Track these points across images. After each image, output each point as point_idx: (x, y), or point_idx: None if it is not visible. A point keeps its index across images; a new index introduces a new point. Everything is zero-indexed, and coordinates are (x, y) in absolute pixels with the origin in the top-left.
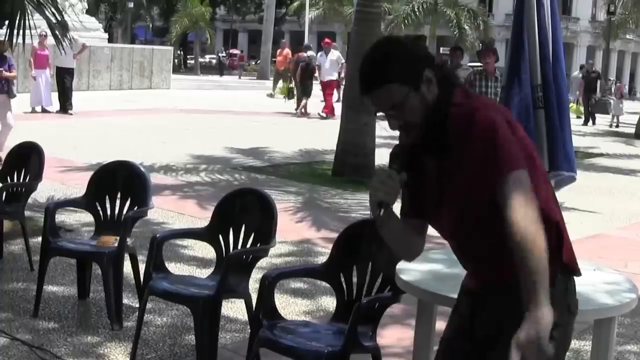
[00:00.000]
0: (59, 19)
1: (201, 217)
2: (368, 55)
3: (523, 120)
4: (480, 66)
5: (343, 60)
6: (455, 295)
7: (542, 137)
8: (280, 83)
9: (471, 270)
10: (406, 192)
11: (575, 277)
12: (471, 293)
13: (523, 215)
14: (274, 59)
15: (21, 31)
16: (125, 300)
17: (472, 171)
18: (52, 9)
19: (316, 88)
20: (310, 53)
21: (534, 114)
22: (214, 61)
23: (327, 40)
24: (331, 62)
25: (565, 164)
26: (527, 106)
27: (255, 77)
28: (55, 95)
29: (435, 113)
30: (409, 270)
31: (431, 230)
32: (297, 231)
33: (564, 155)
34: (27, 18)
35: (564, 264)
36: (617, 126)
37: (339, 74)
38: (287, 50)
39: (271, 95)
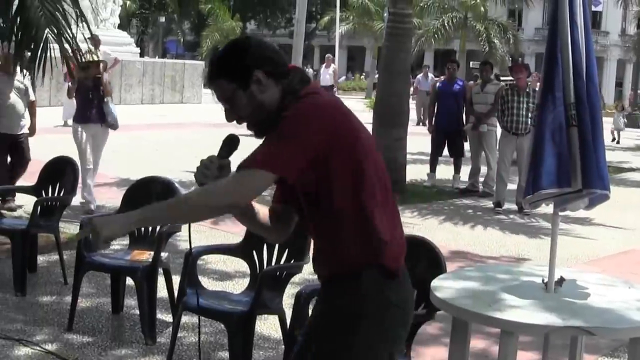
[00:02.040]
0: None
1: (234, 232)
2: (223, 49)
3: (556, 138)
4: (511, 80)
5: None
6: (491, 314)
7: (575, 155)
8: None
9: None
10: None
11: (400, 281)
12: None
13: (215, 193)
14: None
15: (43, 58)
16: (158, 315)
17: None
18: (82, 25)
19: None
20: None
21: (567, 132)
22: None
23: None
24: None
25: (599, 182)
26: (560, 124)
27: None
28: None
29: (277, 115)
30: (444, 288)
31: (466, 248)
32: None
33: (597, 173)
34: (47, 47)
35: (380, 265)
36: (617, 142)
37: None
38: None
39: None
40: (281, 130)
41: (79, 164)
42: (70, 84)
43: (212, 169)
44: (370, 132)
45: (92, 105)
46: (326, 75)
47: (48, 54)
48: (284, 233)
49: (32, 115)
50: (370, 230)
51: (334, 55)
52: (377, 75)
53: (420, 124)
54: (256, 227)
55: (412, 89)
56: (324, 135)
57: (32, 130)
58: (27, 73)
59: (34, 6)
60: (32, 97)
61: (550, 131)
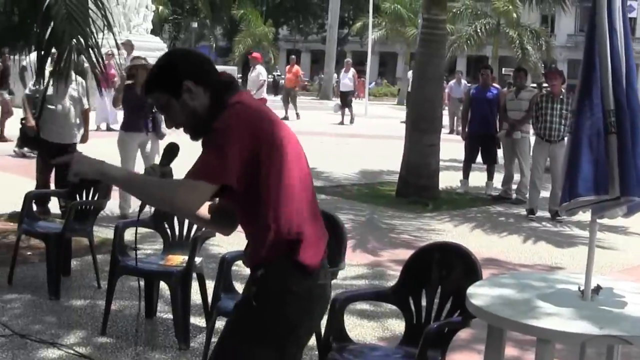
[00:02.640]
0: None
1: None
2: (158, 62)
3: (594, 144)
4: (545, 86)
5: (263, 78)
6: (528, 322)
7: (613, 163)
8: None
9: None
10: None
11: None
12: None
13: (170, 196)
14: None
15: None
16: (192, 320)
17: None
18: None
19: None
20: None
21: (606, 139)
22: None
23: (253, 54)
24: (252, 79)
25: (638, 190)
26: (598, 131)
27: (316, 97)
28: (120, 114)
29: (208, 119)
30: (480, 295)
31: (498, 255)
32: (362, 253)
33: (636, 180)
34: (72, 58)
35: (294, 259)
36: None
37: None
38: (297, 67)
39: (286, 118)
40: (215, 141)
41: None
42: (115, 91)
43: (154, 177)
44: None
45: (142, 113)
46: (346, 80)
47: (74, 59)
48: (228, 227)
49: (85, 123)
50: (285, 228)
51: (365, 61)
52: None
53: (454, 132)
54: (198, 221)
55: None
56: (249, 141)
57: (84, 138)
58: (82, 80)
59: (60, 14)
60: (85, 105)
61: (588, 138)
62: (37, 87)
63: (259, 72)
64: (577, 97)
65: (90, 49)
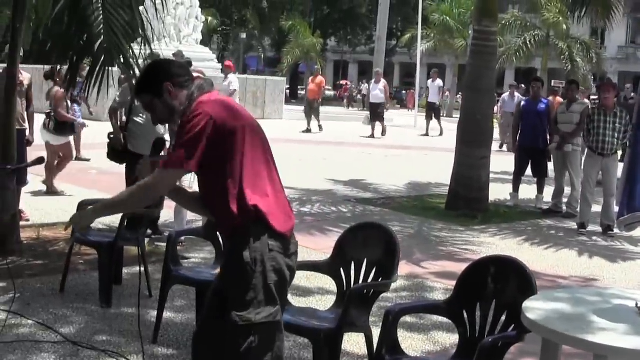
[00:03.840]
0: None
1: (315, 249)
2: (144, 69)
3: None
4: (594, 98)
5: (234, 87)
6: (584, 337)
7: None
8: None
9: None
10: None
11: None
12: None
13: (147, 188)
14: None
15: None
16: None
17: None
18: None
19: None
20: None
21: None
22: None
23: (226, 62)
24: (223, 88)
25: None
26: None
27: (362, 109)
28: None
29: (183, 114)
30: (535, 309)
31: (548, 270)
32: (406, 265)
33: None
34: (107, 69)
35: (267, 223)
36: None
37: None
38: (320, 78)
39: (309, 131)
40: (181, 134)
41: None
42: None
43: (145, 165)
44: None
45: None
46: (376, 91)
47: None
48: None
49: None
50: (248, 200)
51: (414, 73)
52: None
53: (505, 147)
54: (189, 205)
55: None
56: (209, 129)
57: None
58: None
59: (99, 24)
60: None
61: None
62: (121, 99)
63: (231, 81)
64: (637, 110)
65: (125, 59)
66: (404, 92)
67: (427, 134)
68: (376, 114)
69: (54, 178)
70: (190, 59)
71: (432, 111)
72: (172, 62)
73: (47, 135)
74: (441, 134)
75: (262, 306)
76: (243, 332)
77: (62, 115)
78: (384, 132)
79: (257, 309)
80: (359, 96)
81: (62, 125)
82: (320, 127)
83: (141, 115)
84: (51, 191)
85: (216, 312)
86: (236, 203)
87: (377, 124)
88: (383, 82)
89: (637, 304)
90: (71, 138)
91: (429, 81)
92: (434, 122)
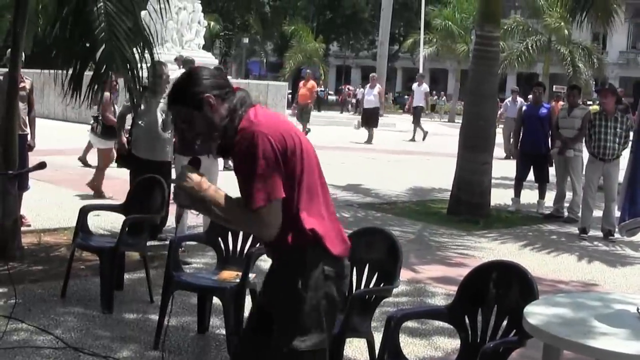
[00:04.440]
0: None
1: None
2: (181, 77)
3: None
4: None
5: None
6: (585, 342)
7: None
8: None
9: None
10: None
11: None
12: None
13: (251, 226)
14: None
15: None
16: None
17: (242, 177)
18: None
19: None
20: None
21: None
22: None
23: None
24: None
25: None
26: None
27: (356, 112)
28: None
29: (224, 131)
30: (536, 315)
31: (549, 274)
32: (405, 270)
33: None
34: (109, 74)
35: (322, 246)
36: None
37: None
38: (312, 83)
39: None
40: (243, 163)
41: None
42: (164, 115)
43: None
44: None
45: None
46: (370, 96)
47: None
48: None
49: None
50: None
51: (414, 77)
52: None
53: (511, 157)
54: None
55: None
56: (273, 152)
57: None
58: None
59: (102, 29)
60: None
61: None
62: (129, 103)
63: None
64: (639, 116)
65: (128, 66)
66: (406, 97)
67: (413, 139)
68: (370, 119)
69: (101, 182)
70: (193, 58)
71: (419, 115)
72: (211, 71)
73: (94, 139)
74: (424, 138)
75: (309, 334)
76: (287, 359)
77: (109, 119)
78: (369, 140)
79: (304, 337)
80: (353, 100)
81: (109, 130)
82: (307, 131)
83: (144, 119)
84: (101, 195)
85: (257, 329)
86: (293, 226)
87: (367, 129)
88: (378, 87)
89: (638, 309)
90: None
91: (415, 85)
92: (429, 124)
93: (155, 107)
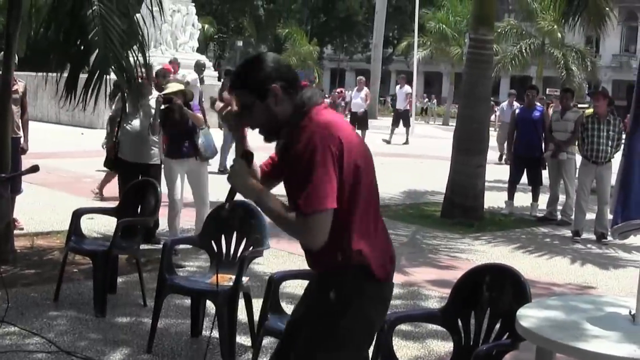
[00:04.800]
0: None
1: None
2: (242, 61)
3: None
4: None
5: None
6: (578, 345)
7: None
8: None
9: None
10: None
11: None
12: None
13: (302, 233)
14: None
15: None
16: (237, 339)
17: (295, 180)
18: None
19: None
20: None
21: None
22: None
23: (164, 65)
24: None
25: None
26: None
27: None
28: None
29: (287, 125)
30: (529, 318)
31: (542, 277)
32: (404, 273)
33: None
34: (106, 80)
35: (367, 269)
36: None
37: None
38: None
39: None
40: (313, 165)
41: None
42: (152, 118)
43: (239, 170)
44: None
45: (183, 137)
46: (357, 99)
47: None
48: None
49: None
50: (351, 240)
51: (411, 81)
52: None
53: (505, 161)
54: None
55: (493, 117)
56: (337, 162)
57: None
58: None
59: (97, 33)
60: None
61: None
62: (118, 106)
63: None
64: (631, 119)
65: (123, 69)
66: None
67: (389, 142)
68: (358, 122)
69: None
70: (204, 62)
71: (400, 118)
72: (282, 60)
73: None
74: (406, 142)
75: (336, 352)
76: None
77: None
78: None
79: (329, 354)
80: (342, 103)
81: None
82: None
83: (129, 121)
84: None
85: (290, 343)
86: (339, 243)
87: (359, 132)
88: (365, 90)
89: (630, 312)
90: None
91: (397, 87)
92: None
93: (142, 110)
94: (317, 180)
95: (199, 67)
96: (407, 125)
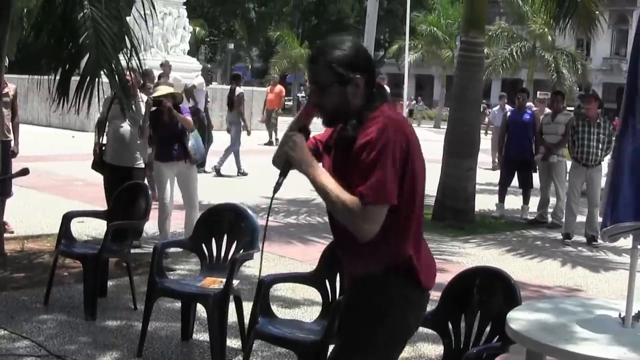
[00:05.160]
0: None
1: (302, 260)
2: (333, 39)
3: (636, 170)
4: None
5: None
6: (568, 348)
7: None
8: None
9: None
10: None
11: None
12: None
13: (357, 220)
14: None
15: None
16: (228, 342)
17: (355, 169)
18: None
19: None
20: None
21: None
22: None
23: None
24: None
25: None
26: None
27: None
28: None
29: (356, 117)
30: (519, 320)
31: (533, 280)
32: None
33: None
34: (98, 83)
35: (414, 275)
36: None
37: None
38: (279, 87)
39: (270, 143)
40: (379, 158)
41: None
42: (142, 121)
43: (293, 142)
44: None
45: (173, 140)
46: None
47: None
48: None
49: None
50: (411, 240)
51: (402, 84)
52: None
53: (494, 167)
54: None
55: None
56: (403, 160)
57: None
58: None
59: (89, 36)
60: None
61: (630, 163)
62: (105, 109)
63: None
64: (621, 121)
65: (115, 72)
66: None
67: None
68: None
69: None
70: (240, 73)
71: None
72: (368, 53)
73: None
74: None
75: (376, 356)
76: None
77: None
78: None
79: (366, 357)
80: None
81: None
82: (271, 142)
83: (114, 125)
84: None
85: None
86: (392, 244)
87: None
88: None
89: (620, 314)
90: None
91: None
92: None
93: (129, 114)
94: (386, 173)
95: (206, 72)
96: None
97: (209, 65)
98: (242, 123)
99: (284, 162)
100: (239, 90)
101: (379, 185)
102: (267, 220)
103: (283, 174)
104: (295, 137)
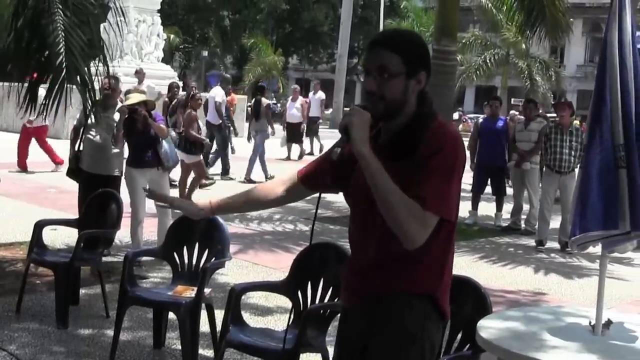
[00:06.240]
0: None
1: (276, 268)
2: (398, 29)
3: (604, 179)
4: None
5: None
6: (538, 356)
7: (623, 197)
8: None
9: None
10: (326, 163)
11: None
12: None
13: (409, 220)
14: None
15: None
16: (200, 351)
17: (418, 175)
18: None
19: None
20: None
21: (615, 173)
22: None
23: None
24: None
25: None
26: (607, 165)
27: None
28: None
29: (416, 122)
30: (490, 329)
31: (505, 287)
32: None
33: None
34: (64, 89)
35: (434, 301)
36: None
37: None
38: (232, 96)
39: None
40: (448, 171)
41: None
42: (115, 129)
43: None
44: None
45: (146, 147)
46: (293, 110)
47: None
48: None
49: None
50: (443, 263)
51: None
52: None
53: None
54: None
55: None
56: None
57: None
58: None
59: (58, 44)
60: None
61: (598, 172)
62: (81, 117)
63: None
64: (588, 131)
65: (83, 80)
66: None
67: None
68: (294, 134)
69: (190, 195)
70: (229, 77)
71: (313, 127)
72: None
73: (180, 153)
74: (300, 157)
75: None
76: None
77: (192, 135)
78: (301, 156)
79: None
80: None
81: (192, 145)
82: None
83: (92, 133)
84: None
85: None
86: (434, 265)
87: (295, 145)
88: (300, 99)
89: (590, 322)
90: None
91: (310, 93)
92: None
93: (104, 122)
94: (452, 189)
95: (226, 81)
96: (314, 134)
97: (227, 76)
98: (270, 130)
99: (343, 129)
100: (265, 101)
101: (443, 196)
102: (319, 198)
103: (341, 144)
104: (364, 114)
